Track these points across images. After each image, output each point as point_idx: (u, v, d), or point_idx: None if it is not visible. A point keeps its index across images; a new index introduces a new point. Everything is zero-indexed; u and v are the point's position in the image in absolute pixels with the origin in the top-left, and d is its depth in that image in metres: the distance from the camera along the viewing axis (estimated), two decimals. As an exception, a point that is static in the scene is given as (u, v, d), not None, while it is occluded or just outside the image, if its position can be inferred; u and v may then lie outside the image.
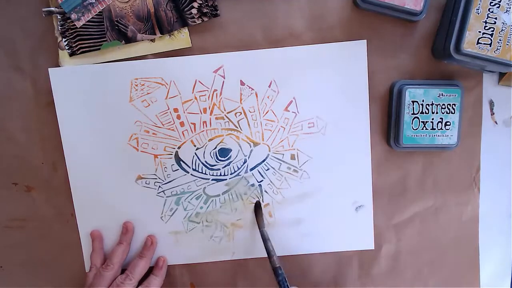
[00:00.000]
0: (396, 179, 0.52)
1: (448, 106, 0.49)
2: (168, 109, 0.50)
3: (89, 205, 0.52)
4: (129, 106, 0.50)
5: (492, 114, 0.52)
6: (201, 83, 0.50)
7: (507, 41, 0.44)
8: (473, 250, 0.53)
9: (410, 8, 0.46)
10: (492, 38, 0.44)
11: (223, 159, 0.51)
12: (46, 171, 0.52)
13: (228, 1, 0.49)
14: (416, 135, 0.49)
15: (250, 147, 0.51)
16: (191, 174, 0.51)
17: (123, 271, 0.50)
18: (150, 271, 0.52)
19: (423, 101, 0.49)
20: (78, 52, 0.49)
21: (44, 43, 0.50)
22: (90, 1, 0.48)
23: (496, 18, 0.44)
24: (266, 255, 0.50)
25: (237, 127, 0.51)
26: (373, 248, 0.53)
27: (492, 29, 0.44)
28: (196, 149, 0.51)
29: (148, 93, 0.50)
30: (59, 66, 0.50)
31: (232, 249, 0.53)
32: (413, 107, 0.49)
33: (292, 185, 0.52)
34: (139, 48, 0.50)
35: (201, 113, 0.50)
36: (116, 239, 0.52)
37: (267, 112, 0.50)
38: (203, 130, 0.51)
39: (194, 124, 0.51)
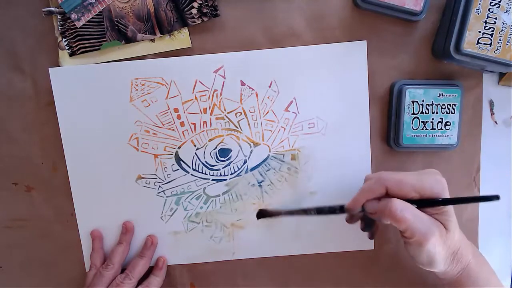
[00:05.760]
0: (396, 179, 0.52)
1: (448, 106, 0.49)
2: (168, 109, 0.50)
3: (89, 205, 0.52)
4: (130, 106, 0.50)
5: (492, 114, 0.52)
6: (201, 83, 0.50)
7: (507, 41, 0.44)
8: (473, 250, 0.53)
9: (410, 8, 0.46)
10: (492, 38, 0.44)
11: (223, 159, 0.51)
12: (46, 171, 0.52)
13: (228, 1, 0.49)
14: (416, 135, 0.49)
15: (250, 147, 0.51)
16: (191, 174, 0.51)
17: (123, 270, 0.50)
18: (150, 271, 0.52)
19: (423, 101, 0.49)
20: (78, 52, 0.49)
21: (44, 43, 0.49)
22: (90, 1, 0.48)
23: (496, 18, 0.44)
24: (266, 255, 0.50)
25: (237, 127, 0.51)
26: (373, 248, 0.53)
27: (492, 29, 0.44)
28: (196, 149, 0.51)
29: (148, 93, 0.50)
30: (59, 66, 0.50)
31: (232, 249, 0.53)
32: (413, 107, 0.49)
33: (292, 186, 0.52)
34: (139, 48, 0.50)
35: (201, 113, 0.50)
36: (116, 239, 0.52)
37: (267, 113, 0.50)
38: (203, 130, 0.51)
39: (194, 124, 0.51)
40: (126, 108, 0.50)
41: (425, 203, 0.41)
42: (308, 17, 0.49)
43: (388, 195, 0.41)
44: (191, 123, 0.51)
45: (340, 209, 0.44)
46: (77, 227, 0.52)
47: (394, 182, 0.41)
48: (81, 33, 0.49)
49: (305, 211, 0.45)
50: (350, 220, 0.48)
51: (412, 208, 0.40)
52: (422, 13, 0.47)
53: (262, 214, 0.48)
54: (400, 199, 0.40)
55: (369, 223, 0.46)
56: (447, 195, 0.41)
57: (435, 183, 0.41)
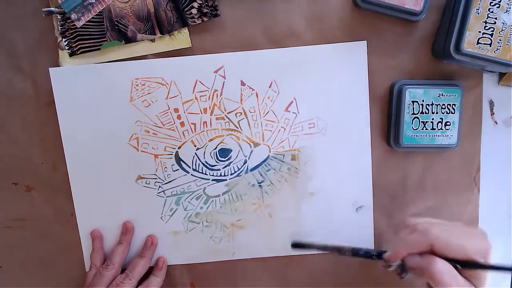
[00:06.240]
0: (396, 179, 0.52)
1: (448, 106, 0.49)
2: (169, 109, 0.50)
3: (89, 205, 0.52)
4: (130, 106, 0.50)
5: (492, 114, 0.52)
6: (202, 83, 0.50)
7: (507, 41, 0.44)
8: (473, 250, 0.53)
9: (410, 8, 0.46)
10: (492, 38, 0.44)
11: (223, 159, 0.51)
12: (46, 171, 0.52)
13: (228, 1, 0.49)
14: (416, 135, 0.49)
15: (251, 147, 0.51)
16: (191, 174, 0.51)
17: (123, 270, 0.50)
18: (150, 271, 0.52)
19: (423, 101, 0.49)
20: (78, 52, 0.49)
21: (44, 43, 0.49)
22: (90, 1, 0.48)
23: (496, 18, 0.44)
24: (266, 255, 0.50)
25: (238, 128, 0.51)
26: (373, 248, 0.53)
27: (492, 29, 0.44)
28: (197, 149, 0.51)
29: (148, 93, 0.50)
30: (59, 66, 0.50)
31: (232, 249, 0.53)
32: (413, 107, 0.49)
33: (292, 186, 0.52)
34: (139, 48, 0.50)
35: (202, 113, 0.50)
36: (116, 239, 0.52)
37: (267, 113, 0.50)
38: (204, 130, 0.51)
39: (195, 124, 0.51)
40: (126, 108, 0.50)
41: (468, 265, 0.40)
42: (308, 17, 0.49)
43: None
44: (191, 123, 0.51)
45: (377, 256, 0.43)
46: (77, 227, 0.52)
47: (442, 244, 0.40)
48: (81, 33, 0.49)
49: (339, 250, 0.44)
50: (388, 267, 0.46)
51: (452, 271, 0.39)
52: (422, 13, 0.47)
53: (296, 245, 0.47)
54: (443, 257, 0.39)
55: (405, 269, 0.46)
56: (490, 260, 0.40)
57: (482, 249, 0.40)
